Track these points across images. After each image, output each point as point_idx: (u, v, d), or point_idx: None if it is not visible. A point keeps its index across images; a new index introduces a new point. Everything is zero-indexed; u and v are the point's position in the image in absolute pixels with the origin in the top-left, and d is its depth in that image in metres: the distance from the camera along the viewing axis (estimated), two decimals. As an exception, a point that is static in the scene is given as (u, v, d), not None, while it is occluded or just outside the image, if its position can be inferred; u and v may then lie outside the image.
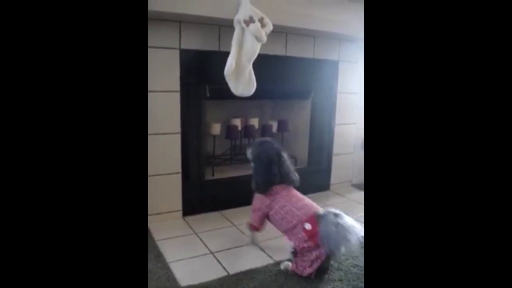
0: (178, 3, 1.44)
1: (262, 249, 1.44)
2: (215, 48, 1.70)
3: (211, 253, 1.40)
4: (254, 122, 2.19)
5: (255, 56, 1.60)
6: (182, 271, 1.26)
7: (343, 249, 1.16)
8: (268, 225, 1.65)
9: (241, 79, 1.61)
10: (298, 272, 1.23)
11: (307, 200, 1.36)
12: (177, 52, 1.60)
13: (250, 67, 1.62)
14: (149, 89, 1.55)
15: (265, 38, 1.58)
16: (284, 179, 1.39)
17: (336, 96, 2.16)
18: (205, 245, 1.47)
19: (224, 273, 1.25)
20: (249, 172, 1.99)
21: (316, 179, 2.19)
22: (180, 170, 1.71)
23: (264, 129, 2.22)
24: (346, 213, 1.19)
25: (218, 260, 1.35)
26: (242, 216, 1.76)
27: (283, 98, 2.24)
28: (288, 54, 1.91)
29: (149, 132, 1.59)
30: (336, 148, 2.24)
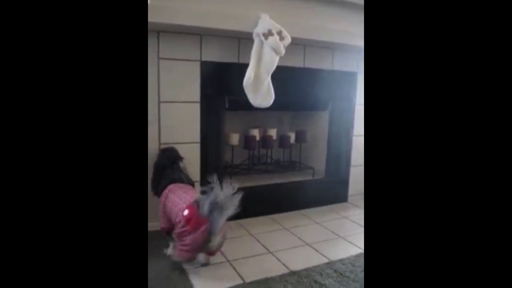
0: (199, 17, 1.50)
1: (278, 259, 1.45)
2: (235, 60, 1.74)
3: (228, 261, 1.42)
4: (272, 132, 2.21)
5: (274, 68, 1.64)
6: (199, 278, 1.28)
7: (222, 217, 1.26)
8: (284, 238, 1.66)
9: (259, 90, 1.64)
10: (178, 256, 1.32)
11: (192, 190, 1.45)
12: (198, 64, 1.65)
13: (268, 79, 1.65)
14: (171, 99, 1.61)
15: (283, 51, 1.61)
16: (176, 181, 1.49)
17: (355, 107, 2.16)
18: (222, 253, 1.48)
19: (239, 281, 1.27)
20: (267, 182, 2.03)
21: (333, 191, 2.19)
22: (199, 179, 1.74)
23: (282, 140, 2.24)
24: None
25: (234, 268, 1.36)
26: (259, 226, 1.78)
27: (301, 109, 2.26)
28: (306, 65, 1.94)
29: (170, 141, 1.63)
30: (354, 160, 2.23)
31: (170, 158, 1.56)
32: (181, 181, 1.49)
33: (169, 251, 1.38)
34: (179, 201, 1.36)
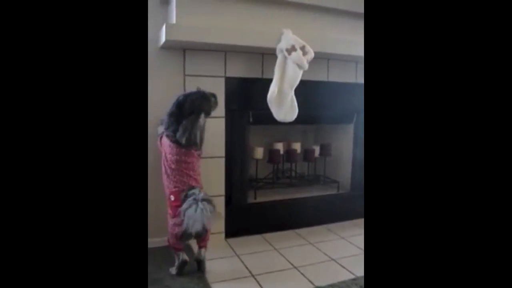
0: (224, 34, 1.54)
1: (303, 274, 1.43)
2: (259, 76, 1.76)
3: (252, 275, 1.42)
4: (297, 146, 2.21)
5: (297, 82, 1.65)
6: (223, 292, 1.29)
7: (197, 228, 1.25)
8: (309, 253, 1.64)
9: (283, 105, 1.66)
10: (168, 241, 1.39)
11: (186, 170, 1.39)
12: (222, 80, 1.69)
13: (292, 94, 1.67)
14: (196, 115, 1.64)
15: (306, 65, 1.62)
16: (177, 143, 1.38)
17: (380, 120, 2.13)
18: (246, 267, 1.49)
19: (264, 296, 1.27)
20: (291, 196, 2.02)
21: (359, 205, 2.14)
22: (223, 193, 1.76)
23: (306, 153, 2.23)
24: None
25: (258, 283, 1.36)
26: (284, 240, 1.78)
27: (325, 123, 2.25)
28: (330, 79, 1.94)
29: (195, 155, 1.67)
30: (380, 173, 2.19)
31: (190, 107, 1.38)
32: (180, 144, 1.37)
33: (173, 270, 1.41)
34: (173, 178, 1.37)
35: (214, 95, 1.48)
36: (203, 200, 1.27)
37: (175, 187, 1.37)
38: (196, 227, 1.25)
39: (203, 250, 1.43)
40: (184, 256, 1.39)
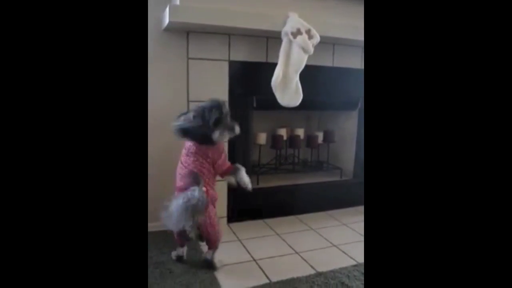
0: (228, 17, 1.51)
1: (305, 260, 1.44)
2: (263, 60, 1.74)
3: (254, 260, 1.42)
4: (300, 132, 2.20)
5: (302, 67, 1.63)
6: (225, 276, 1.29)
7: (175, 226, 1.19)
8: (311, 239, 1.65)
9: (288, 90, 1.64)
10: None
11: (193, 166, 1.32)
12: (226, 64, 1.67)
13: (297, 78, 1.65)
14: (199, 99, 1.62)
15: (312, 50, 1.60)
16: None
17: (385, 107, 2.11)
18: (248, 252, 1.49)
19: (266, 281, 1.27)
20: (294, 182, 2.02)
21: (361, 191, 2.13)
22: (226, 177, 1.76)
23: (310, 140, 2.22)
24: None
25: (260, 267, 1.37)
26: (286, 226, 1.78)
27: (330, 109, 2.23)
28: (335, 64, 1.91)
29: (198, 140, 1.66)
30: (383, 161, 2.18)
31: (205, 118, 1.32)
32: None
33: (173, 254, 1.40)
34: (179, 178, 1.32)
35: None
36: (191, 200, 1.16)
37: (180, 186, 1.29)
38: (175, 226, 1.18)
39: (210, 252, 1.34)
40: (179, 252, 1.37)
